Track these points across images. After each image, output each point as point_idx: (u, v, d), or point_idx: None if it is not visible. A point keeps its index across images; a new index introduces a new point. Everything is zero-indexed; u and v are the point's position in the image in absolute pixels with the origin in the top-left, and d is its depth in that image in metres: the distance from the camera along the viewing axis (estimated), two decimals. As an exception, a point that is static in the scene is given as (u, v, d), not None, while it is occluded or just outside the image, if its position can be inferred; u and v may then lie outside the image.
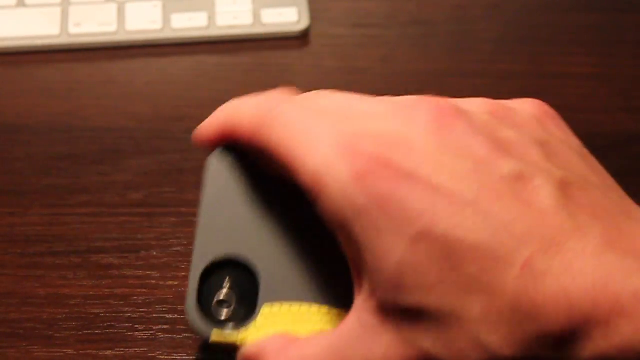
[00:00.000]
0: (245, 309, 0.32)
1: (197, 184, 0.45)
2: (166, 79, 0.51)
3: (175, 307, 0.40)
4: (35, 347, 0.39)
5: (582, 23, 0.51)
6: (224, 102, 0.49)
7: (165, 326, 0.39)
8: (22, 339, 0.39)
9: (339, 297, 0.31)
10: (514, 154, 0.28)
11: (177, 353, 0.38)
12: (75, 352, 0.38)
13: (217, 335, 0.32)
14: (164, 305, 0.40)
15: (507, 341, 0.25)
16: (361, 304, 0.28)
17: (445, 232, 0.26)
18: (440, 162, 0.27)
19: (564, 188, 0.27)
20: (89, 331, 0.39)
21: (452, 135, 0.27)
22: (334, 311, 0.31)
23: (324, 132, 0.28)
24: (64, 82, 0.51)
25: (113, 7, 0.52)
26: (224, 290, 0.32)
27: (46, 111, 0.49)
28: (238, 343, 0.31)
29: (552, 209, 0.26)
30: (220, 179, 0.33)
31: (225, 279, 0.32)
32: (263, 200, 0.33)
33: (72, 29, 0.52)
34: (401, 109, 0.28)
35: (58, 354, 0.38)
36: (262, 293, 0.32)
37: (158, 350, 0.39)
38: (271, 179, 0.33)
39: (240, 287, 0.32)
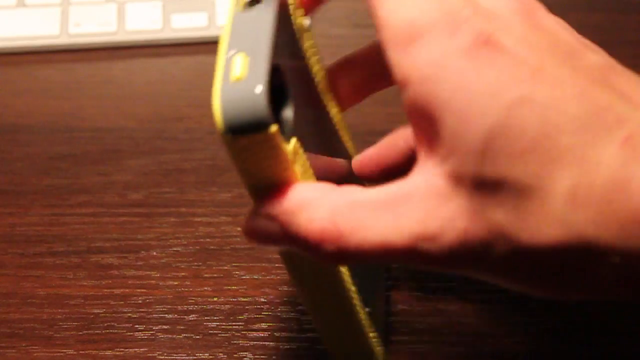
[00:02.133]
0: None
1: (197, 184, 0.45)
2: (166, 79, 0.51)
3: (175, 307, 0.40)
4: (35, 348, 0.39)
5: (582, 23, 0.51)
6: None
7: (165, 326, 0.39)
8: (22, 339, 0.39)
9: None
10: (589, 46, 0.28)
11: (176, 353, 0.38)
12: (75, 352, 0.39)
13: (275, 130, 0.25)
14: (164, 306, 0.40)
15: (594, 221, 0.24)
16: (430, 168, 0.27)
17: (546, 101, 0.25)
18: (538, 44, 0.27)
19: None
20: (89, 331, 0.39)
21: (542, 22, 0.28)
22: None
23: None
24: (64, 82, 0.51)
25: (113, 7, 0.52)
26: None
27: (46, 111, 0.49)
28: (286, 151, 0.26)
29: None
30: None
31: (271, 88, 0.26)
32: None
33: (72, 29, 0.52)
34: None
35: (58, 354, 0.39)
36: (294, 125, 0.28)
37: (158, 351, 0.39)
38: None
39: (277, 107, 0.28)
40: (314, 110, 0.33)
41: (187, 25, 0.52)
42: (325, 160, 0.33)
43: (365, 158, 0.35)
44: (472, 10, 0.27)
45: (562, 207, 0.25)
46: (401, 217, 0.26)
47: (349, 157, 0.38)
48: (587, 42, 0.29)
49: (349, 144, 0.39)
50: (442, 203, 0.26)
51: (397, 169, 0.34)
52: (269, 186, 0.27)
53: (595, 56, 0.28)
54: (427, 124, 0.27)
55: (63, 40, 0.52)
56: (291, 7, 0.32)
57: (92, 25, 0.52)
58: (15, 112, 0.49)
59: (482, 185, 0.25)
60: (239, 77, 0.26)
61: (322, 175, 0.30)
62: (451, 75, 0.26)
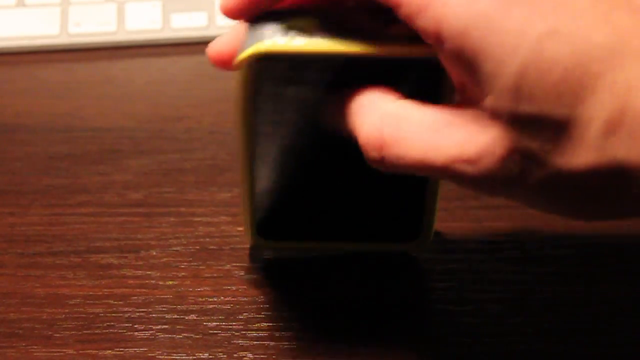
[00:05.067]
0: None
1: (196, 184, 0.45)
2: (166, 79, 0.51)
3: (175, 306, 0.40)
4: (35, 347, 0.39)
5: None
6: (223, 102, 0.49)
7: (164, 326, 0.39)
8: (22, 339, 0.39)
9: None
10: None
11: (176, 353, 0.38)
12: (74, 352, 0.38)
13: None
14: (164, 305, 0.40)
15: (627, 146, 0.25)
16: (472, 103, 0.28)
17: (571, 31, 0.25)
18: None
19: None
20: (89, 331, 0.39)
21: None
22: None
23: None
24: (64, 82, 0.51)
25: (113, 7, 0.52)
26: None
27: (46, 111, 0.49)
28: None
29: None
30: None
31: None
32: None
33: (72, 29, 0.52)
34: None
35: (58, 354, 0.38)
36: None
37: (157, 350, 0.38)
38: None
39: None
40: None
41: (187, 25, 0.52)
42: None
43: (217, 45, 0.36)
44: None
45: (596, 133, 0.25)
46: (442, 139, 0.28)
47: None
48: None
49: None
50: (481, 132, 0.27)
51: None
52: None
53: None
54: (465, 71, 0.27)
55: (63, 40, 0.52)
56: None
57: (92, 25, 0.52)
58: (14, 112, 0.49)
59: (518, 119, 0.26)
60: None
61: None
62: (481, 22, 0.26)
